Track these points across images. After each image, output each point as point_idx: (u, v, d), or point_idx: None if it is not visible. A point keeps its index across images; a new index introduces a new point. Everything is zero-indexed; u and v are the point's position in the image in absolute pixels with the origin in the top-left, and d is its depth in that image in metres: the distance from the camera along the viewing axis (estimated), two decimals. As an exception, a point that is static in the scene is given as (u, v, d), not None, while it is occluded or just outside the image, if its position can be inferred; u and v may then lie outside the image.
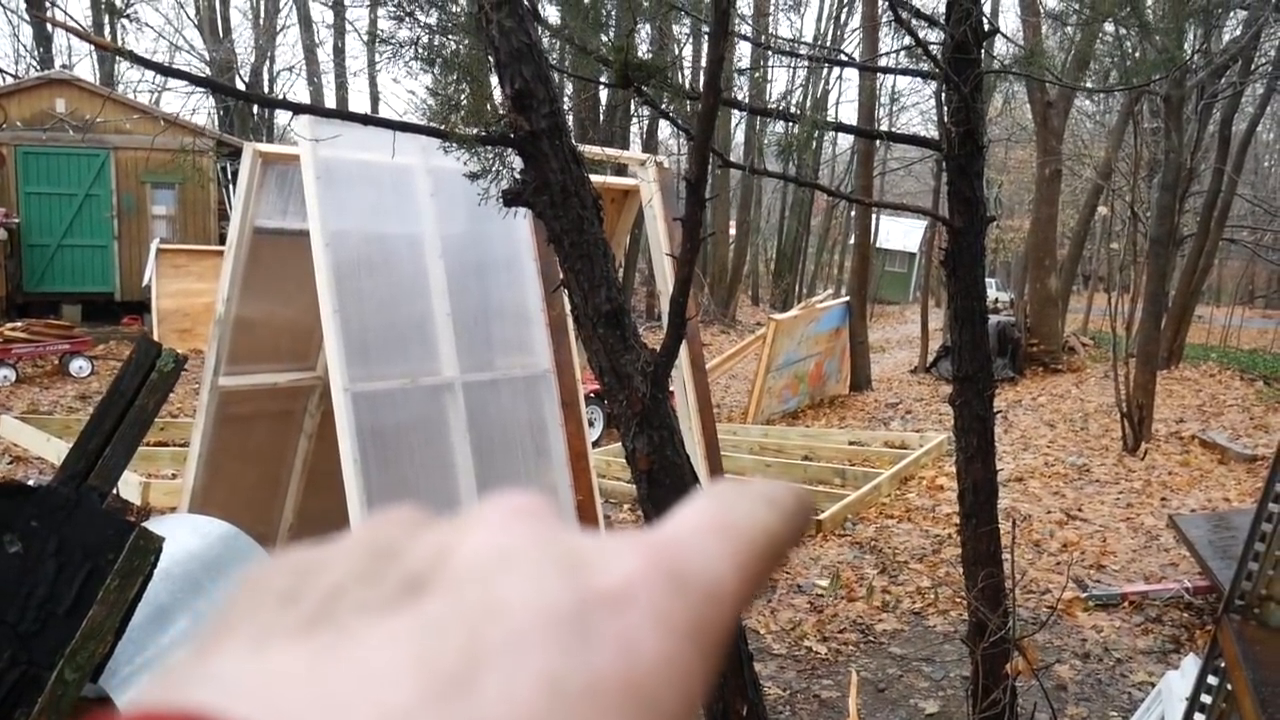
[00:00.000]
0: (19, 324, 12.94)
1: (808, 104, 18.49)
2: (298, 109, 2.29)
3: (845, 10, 24.73)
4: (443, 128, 2.13)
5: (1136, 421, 9.53)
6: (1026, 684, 3.75)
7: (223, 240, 16.18)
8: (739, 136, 22.94)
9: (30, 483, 1.79)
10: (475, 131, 2.07)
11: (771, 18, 20.00)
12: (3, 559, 1.73)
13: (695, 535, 0.24)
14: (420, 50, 2.23)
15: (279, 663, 0.20)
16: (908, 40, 3.48)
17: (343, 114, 2.46)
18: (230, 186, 16.55)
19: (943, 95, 3.11)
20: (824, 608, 5.60)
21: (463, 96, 2.18)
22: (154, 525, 2.11)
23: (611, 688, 0.20)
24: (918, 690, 4.60)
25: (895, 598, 5.73)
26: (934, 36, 3.41)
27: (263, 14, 26.01)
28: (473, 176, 2.25)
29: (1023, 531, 6.84)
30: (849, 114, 39.93)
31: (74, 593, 1.73)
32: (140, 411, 1.91)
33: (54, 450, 8.28)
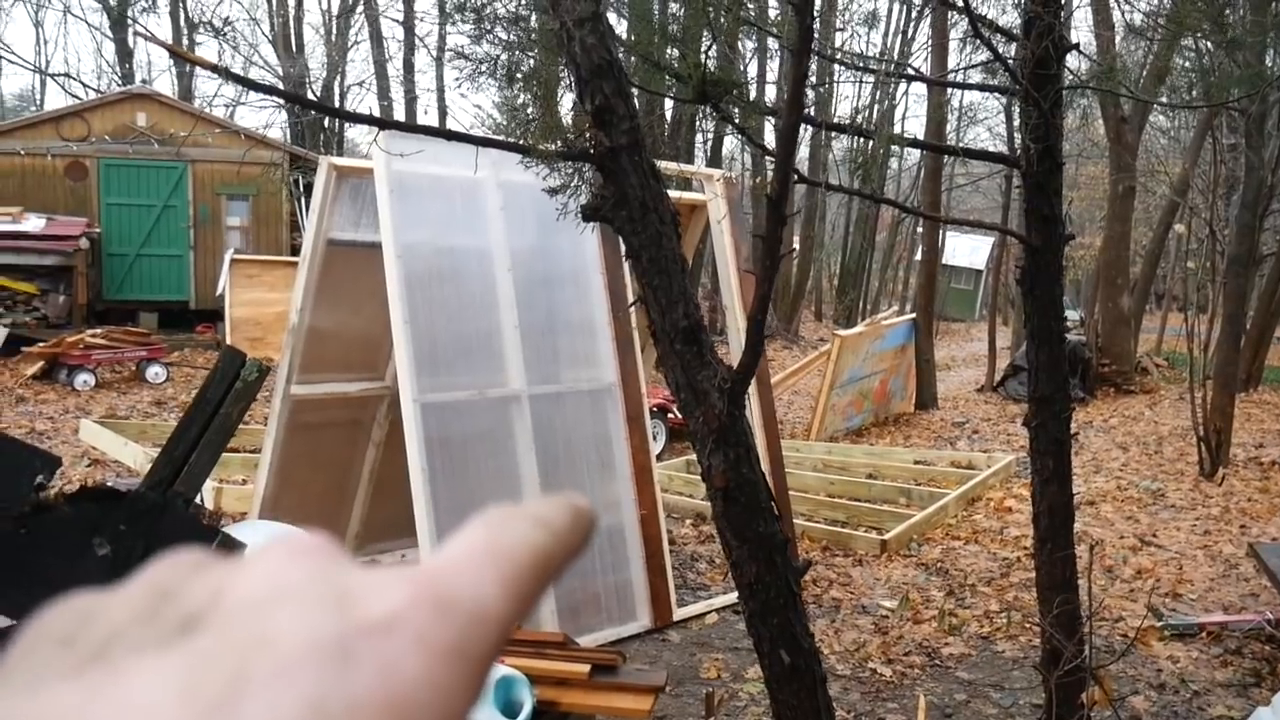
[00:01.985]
0: (99, 331, 13.31)
1: (874, 118, 18.33)
2: (383, 124, 2.32)
3: (913, 24, 24.55)
4: (523, 143, 2.14)
5: (1214, 446, 9.27)
6: (1102, 715, 3.66)
7: (294, 251, 16.53)
8: (803, 151, 22.86)
9: (119, 487, 1.83)
10: (556, 147, 2.08)
11: (841, 32, 19.91)
12: (93, 561, 1.77)
13: (462, 562, 0.25)
14: (500, 67, 2.26)
15: (48, 703, 0.21)
16: (983, 55, 3.43)
17: (426, 129, 2.50)
18: (302, 198, 16.90)
19: (1020, 111, 3.06)
20: (889, 629, 5.51)
21: (541, 112, 2.19)
22: (234, 530, 2.14)
23: (373, 708, 0.21)
24: (985, 717, 4.51)
25: (962, 621, 5.62)
26: (1008, 50, 3.36)
27: (334, 30, 26.56)
28: (552, 191, 2.26)
29: (1096, 557, 6.68)
30: (914, 128, 39.56)
31: (159, 597, 1.75)
32: (225, 420, 1.94)
33: (131, 454, 8.50)
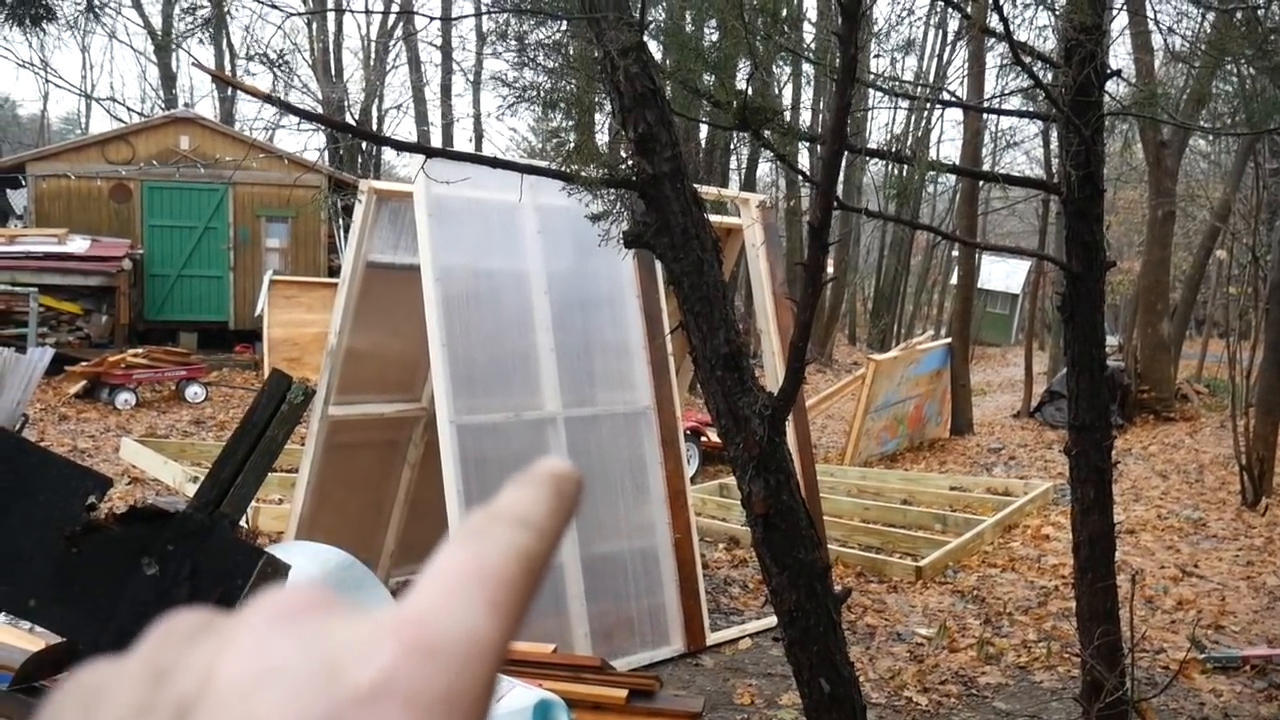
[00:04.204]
0: (140, 351, 13.52)
1: (909, 142, 18.31)
2: (431, 152, 2.35)
3: (950, 48, 24.50)
4: (565, 169, 2.17)
5: (1256, 475, 9.11)
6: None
7: (331, 272, 16.71)
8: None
9: (166, 508, 1.86)
10: (598, 174, 2.11)
11: (879, 58, 19.91)
12: (141, 580, 1.79)
13: (448, 593, 0.25)
14: (542, 94, 2.29)
15: None
16: (1021, 80, 3.43)
17: (472, 157, 2.53)
18: (339, 220, 17.10)
19: (1061, 138, 3.05)
20: (924, 657, 5.46)
21: (585, 138, 2.22)
22: (278, 551, 2.16)
23: None
24: (1024, 748, 4.45)
25: (1000, 650, 5.55)
26: (1048, 76, 3.35)
27: (373, 55, 26.90)
28: (594, 218, 2.28)
29: (1136, 587, 6.58)
30: (950, 150, 39.41)
31: (205, 616, 1.77)
32: (270, 442, 1.97)
33: (170, 473, 8.60)
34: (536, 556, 0.26)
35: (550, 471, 0.29)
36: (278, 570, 1.85)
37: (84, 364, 12.94)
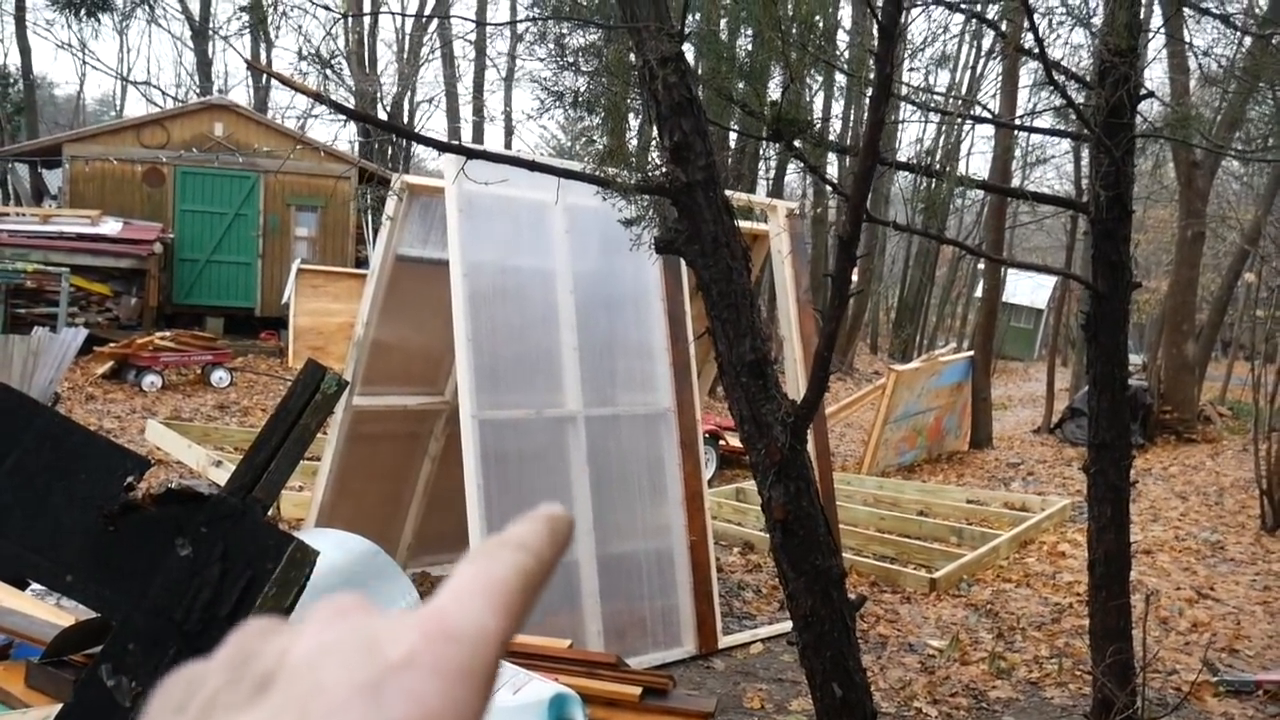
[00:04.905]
0: (168, 334, 13.66)
1: (939, 155, 18.26)
2: (470, 153, 2.40)
3: (983, 63, 24.39)
4: (599, 173, 2.21)
5: (1277, 500, 9.05)
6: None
7: (358, 263, 16.84)
8: (866, 184, 22.70)
9: (200, 490, 1.91)
10: (633, 180, 2.14)
11: (913, 71, 19.84)
12: (174, 560, 1.85)
13: (461, 596, 0.31)
14: (580, 98, 2.32)
15: None
16: (1054, 99, 3.44)
17: (509, 159, 2.58)
18: (368, 211, 17.22)
19: (1091, 157, 3.07)
20: (935, 669, 5.47)
21: (618, 143, 2.25)
22: (305, 538, 2.21)
23: None
24: (1032, 763, 4.46)
25: (1011, 665, 5.56)
26: (1080, 96, 3.37)
27: (407, 49, 27.06)
28: (627, 223, 2.32)
29: (1150, 607, 6.56)
30: (979, 164, 39.23)
31: (235, 597, 1.82)
32: (304, 430, 2.01)
33: (194, 456, 8.69)
34: (533, 574, 0.33)
35: (548, 513, 0.36)
36: (307, 556, 1.90)
37: (112, 345, 13.10)
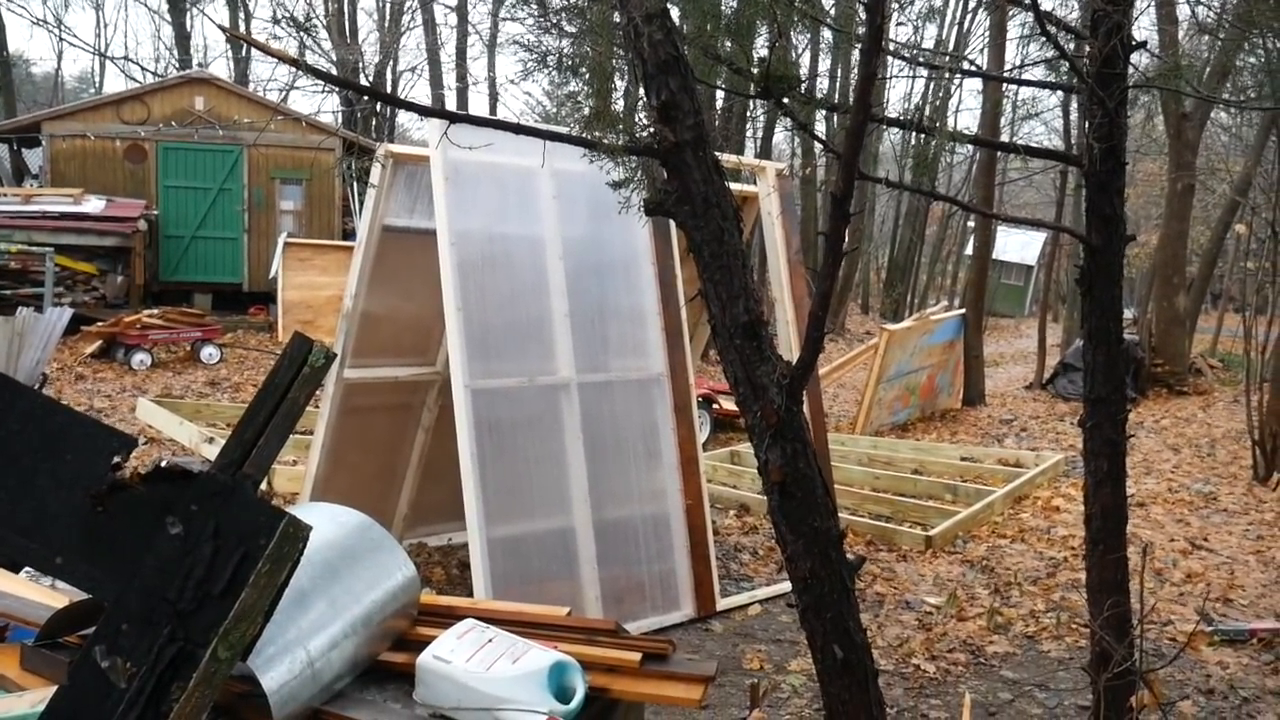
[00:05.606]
0: (155, 311, 13.58)
1: (927, 112, 18.15)
2: (454, 118, 2.35)
3: (971, 16, 24.21)
4: (586, 136, 2.17)
5: (1269, 450, 9.10)
6: (1151, 719, 3.62)
7: (346, 235, 16.73)
8: (854, 143, 22.57)
9: (190, 468, 1.88)
10: (621, 141, 2.11)
11: (901, 26, 19.67)
12: (165, 539, 1.83)
13: None
14: (564, 59, 2.28)
15: None
16: (1045, 51, 3.39)
17: (495, 123, 2.53)
18: (354, 183, 17.08)
19: (1085, 110, 3.03)
20: (932, 626, 5.49)
21: (604, 105, 2.21)
22: (298, 513, 2.19)
23: None
24: (1030, 717, 4.49)
25: (1008, 620, 5.59)
26: (1070, 47, 3.32)
27: (388, 17, 26.75)
28: (616, 185, 2.28)
29: (1146, 560, 6.60)
30: (967, 120, 39.03)
31: (228, 575, 1.80)
32: (292, 405, 1.98)
33: (185, 433, 8.67)
34: None
35: None
36: (300, 531, 1.88)
37: (100, 324, 13.02)
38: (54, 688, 1.93)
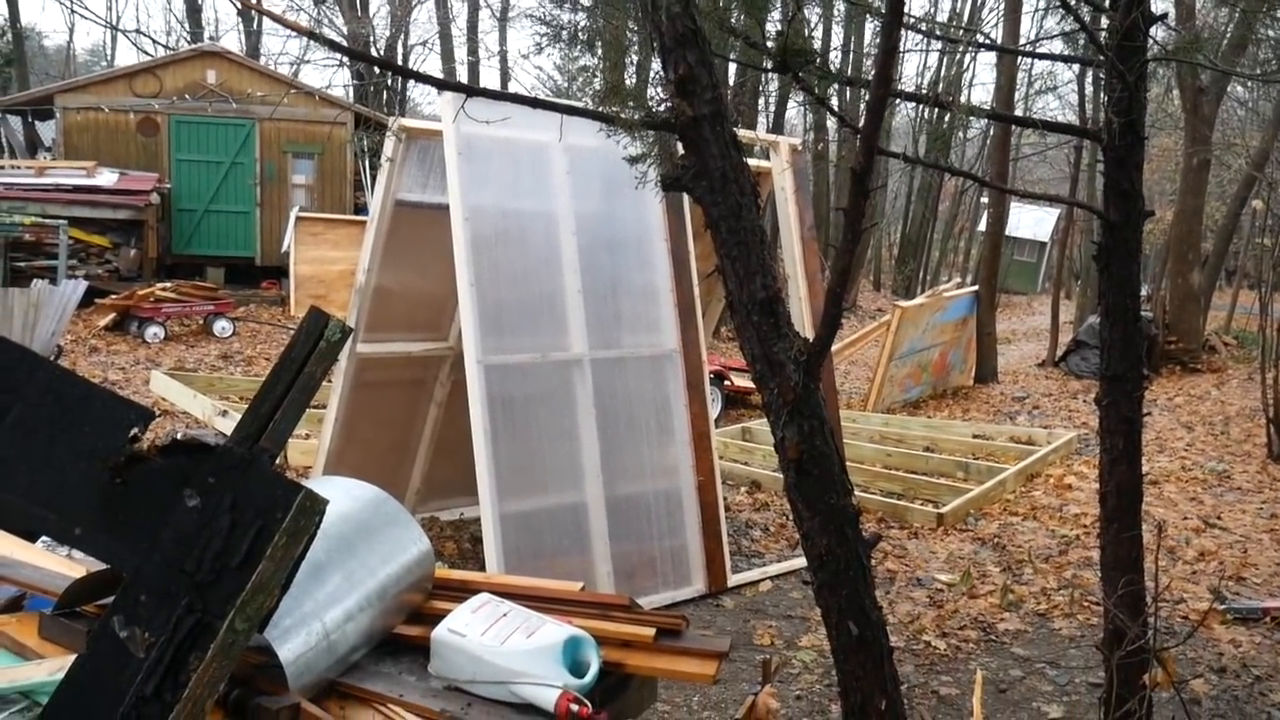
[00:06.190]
0: (168, 285, 13.61)
1: (941, 85, 17.98)
2: (471, 91, 2.33)
3: (985, -10, 23.95)
4: (602, 110, 2.15)
5: (1283, 428, 9.05)
6: (1162, 697, 3.63)
7: (358, 210, 16.72)
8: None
9: (207, 441, 1.89)
10: (639, 116, 2.09)
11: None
12: (183, 512, 1.83)
13: None
14: (581, 32, 2.26)
15: None
16: (1064, 24, 3.36)
17: (512, 97, 2.52)
18: (366, 156, 17.05)
19: (1105, 84, 3.00)
20: (944, 603, 5.50)
21: (618, 79, 2.19)
22: (314, 486, 2.20)
23: None
24: (1041, 694, 4.50)
25: (1019, 597, 5.59)
26: (1089, 19, 3.28)
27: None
28: (633, 160, 2.27)
29: (1160, 538, 6.59)
30: (980, 94, 38.73)
31: (245, 548, 1.81)
32: (308, 379, 1.98)
33: (199, 406, 8.71)
34: None
35: None
36: (316, 504, 1.88)
37: (113, 297, 13.06)
38: (72, 656, 1.95)
